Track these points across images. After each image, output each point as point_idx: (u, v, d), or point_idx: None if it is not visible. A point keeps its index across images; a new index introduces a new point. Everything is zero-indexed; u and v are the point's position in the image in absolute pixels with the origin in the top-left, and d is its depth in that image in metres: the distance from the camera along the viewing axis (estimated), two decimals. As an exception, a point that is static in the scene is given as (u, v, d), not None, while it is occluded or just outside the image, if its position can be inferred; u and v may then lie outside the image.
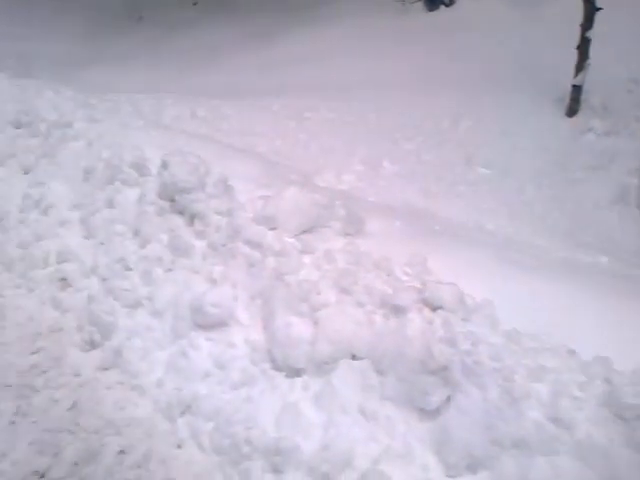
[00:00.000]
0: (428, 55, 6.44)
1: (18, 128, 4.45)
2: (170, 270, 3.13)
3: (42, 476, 2.35)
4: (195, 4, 8.51)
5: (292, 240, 2.94)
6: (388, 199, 3.94)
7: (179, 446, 2.48)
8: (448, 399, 2.27)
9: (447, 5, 8.06)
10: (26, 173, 4.15)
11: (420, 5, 8.11)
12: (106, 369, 2.86)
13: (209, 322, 2.82)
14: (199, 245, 3.15)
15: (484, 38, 6.73)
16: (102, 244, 3.45)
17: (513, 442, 2.13)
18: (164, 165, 3.41)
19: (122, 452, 2.44)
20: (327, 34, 7.37)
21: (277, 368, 2.64)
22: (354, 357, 2.52)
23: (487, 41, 6.64)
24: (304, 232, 3.00)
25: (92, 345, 2.99)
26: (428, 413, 2.28)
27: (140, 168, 3.62)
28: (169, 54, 7.38)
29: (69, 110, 4.40)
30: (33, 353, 2.97)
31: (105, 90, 5.87)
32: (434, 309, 2.45)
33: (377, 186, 4.34)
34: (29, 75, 7.30)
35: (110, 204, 3.57)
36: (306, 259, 2.85)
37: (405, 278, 2.70)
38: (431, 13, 8.08)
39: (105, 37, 8.30)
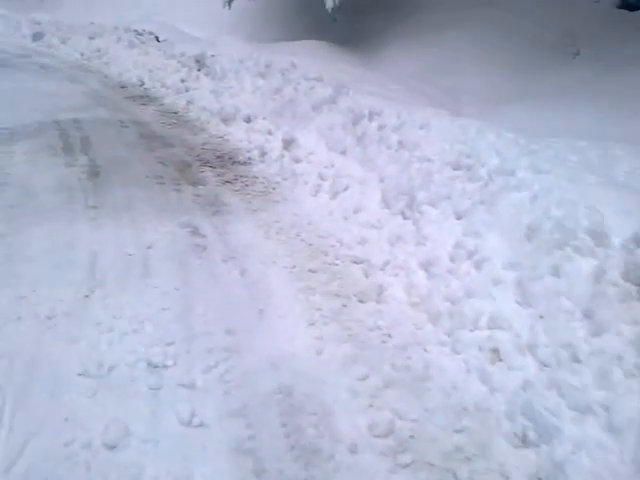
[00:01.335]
0: None
1: (456, 170, 4.31)
2: (634, 376, 2.50)
3: None
4: (647, 36, 7.47)
5: None
6: None
7: None
8: None
9: None
10: (459, 218, 3.97)
11: None
12: (540, 480, 2.40)
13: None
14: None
15: None
16: (542, 318, 3.00)
17: None
18: (636, 239, 2.80)
19: None
20: None
21: None
22: None
23: None
24: None
25: (524, 442, 2.56)
26: None
27: (598, 236, 3.06)
28: (607, 95, 6.56)
29: (512, 156, 4.08)
30: (457, 431, 2.67)
31: (533, 131, 5.46)
32: None
33: None
34: (458, 110, 7.39)
35: (556, 272, 3.10)
36: None
37: None
38: None
39: (534, 72, 7.94)
